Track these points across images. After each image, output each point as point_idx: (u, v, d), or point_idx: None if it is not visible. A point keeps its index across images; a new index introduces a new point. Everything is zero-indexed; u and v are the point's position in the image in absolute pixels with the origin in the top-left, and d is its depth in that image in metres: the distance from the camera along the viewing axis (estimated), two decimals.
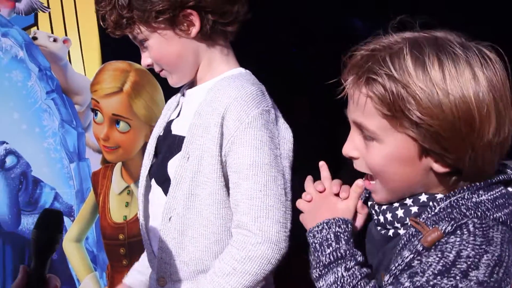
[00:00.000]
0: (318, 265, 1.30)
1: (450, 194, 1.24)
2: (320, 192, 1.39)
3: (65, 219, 3.06)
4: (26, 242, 3.13)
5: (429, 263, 1.17)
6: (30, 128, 3.12)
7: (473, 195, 1.23)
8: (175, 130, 1.76)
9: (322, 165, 1.43)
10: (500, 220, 1.20)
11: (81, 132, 3.11)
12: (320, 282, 1.30)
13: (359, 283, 1.26)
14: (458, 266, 1.15)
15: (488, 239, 1.17)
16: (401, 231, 1.27)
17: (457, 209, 1.21)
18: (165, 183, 1.73)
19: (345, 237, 1.31)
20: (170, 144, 1.74)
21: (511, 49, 1.26)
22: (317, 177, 1.43)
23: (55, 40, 3.09)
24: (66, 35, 3.09)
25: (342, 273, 1.27)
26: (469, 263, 1.15)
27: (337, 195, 1.38)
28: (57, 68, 3.11)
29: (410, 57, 1.19)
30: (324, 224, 1.32)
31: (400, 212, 1.28)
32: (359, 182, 1.35)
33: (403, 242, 1.24)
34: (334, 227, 1.32)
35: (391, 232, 1.30)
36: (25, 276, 1.28)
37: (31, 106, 3.10)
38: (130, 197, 3.09)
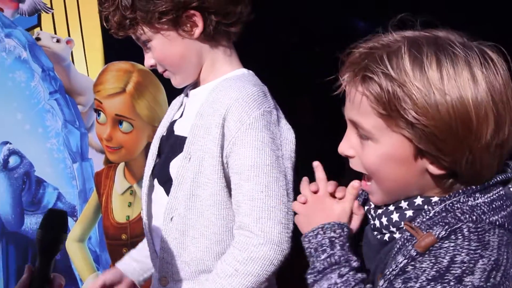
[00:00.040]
0: (312, 270, 1.29)
1: (446, 197, 1.21)
2: (314, 192, 1.36)
3: (68, 219, 3.06)
4: (29, 242, 3.13)
5: (423, 268, 1.15)
6: (33, 128, 3.12)
7: (469, 198, 1.20)
8: (178, 130, 1.76)
9: (317, 166, 1.40)
10: (497, 223, 1.17)
11: (84, 133, 3.11)
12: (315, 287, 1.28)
13: None
14: (452, 271, 1.13)
15: (484, 244, 1.14)
16: (397, 235, 1.25)
17: (452, 213, 1.18)
18: (167, 183, 1.73)
19: (340, 242, 1.28)
20: (172, 145, 1.74)
21: None
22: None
23: (58, 41, 3.09)
24: (69, 35, 3.09)
25: (335, 280, 1.25)
26: (463, 268, 1.12)
27: (333, 195, 1.36)
28: (60, 68, 3.11)
29: (408, 56, 1.16)
30: (319, 229, 1.30)
31: (395, 216, 1.26)
32: (354, 183, 1.33)
33: (398, 246, 1.21)
34: (329, 232, 1.29)
35: (386, 237, 1.28)
36: (30, 276, 1.28)
37: (34, 107, 3.10)
38: (133, 197, 3.09)
